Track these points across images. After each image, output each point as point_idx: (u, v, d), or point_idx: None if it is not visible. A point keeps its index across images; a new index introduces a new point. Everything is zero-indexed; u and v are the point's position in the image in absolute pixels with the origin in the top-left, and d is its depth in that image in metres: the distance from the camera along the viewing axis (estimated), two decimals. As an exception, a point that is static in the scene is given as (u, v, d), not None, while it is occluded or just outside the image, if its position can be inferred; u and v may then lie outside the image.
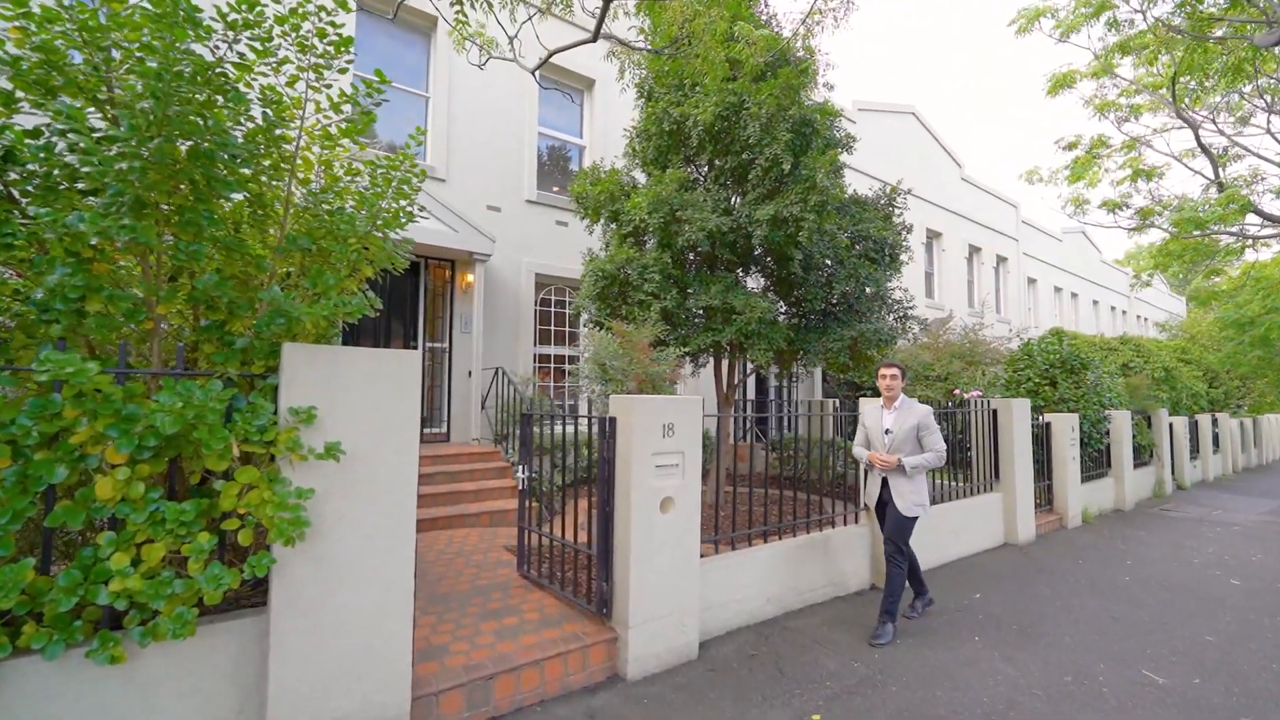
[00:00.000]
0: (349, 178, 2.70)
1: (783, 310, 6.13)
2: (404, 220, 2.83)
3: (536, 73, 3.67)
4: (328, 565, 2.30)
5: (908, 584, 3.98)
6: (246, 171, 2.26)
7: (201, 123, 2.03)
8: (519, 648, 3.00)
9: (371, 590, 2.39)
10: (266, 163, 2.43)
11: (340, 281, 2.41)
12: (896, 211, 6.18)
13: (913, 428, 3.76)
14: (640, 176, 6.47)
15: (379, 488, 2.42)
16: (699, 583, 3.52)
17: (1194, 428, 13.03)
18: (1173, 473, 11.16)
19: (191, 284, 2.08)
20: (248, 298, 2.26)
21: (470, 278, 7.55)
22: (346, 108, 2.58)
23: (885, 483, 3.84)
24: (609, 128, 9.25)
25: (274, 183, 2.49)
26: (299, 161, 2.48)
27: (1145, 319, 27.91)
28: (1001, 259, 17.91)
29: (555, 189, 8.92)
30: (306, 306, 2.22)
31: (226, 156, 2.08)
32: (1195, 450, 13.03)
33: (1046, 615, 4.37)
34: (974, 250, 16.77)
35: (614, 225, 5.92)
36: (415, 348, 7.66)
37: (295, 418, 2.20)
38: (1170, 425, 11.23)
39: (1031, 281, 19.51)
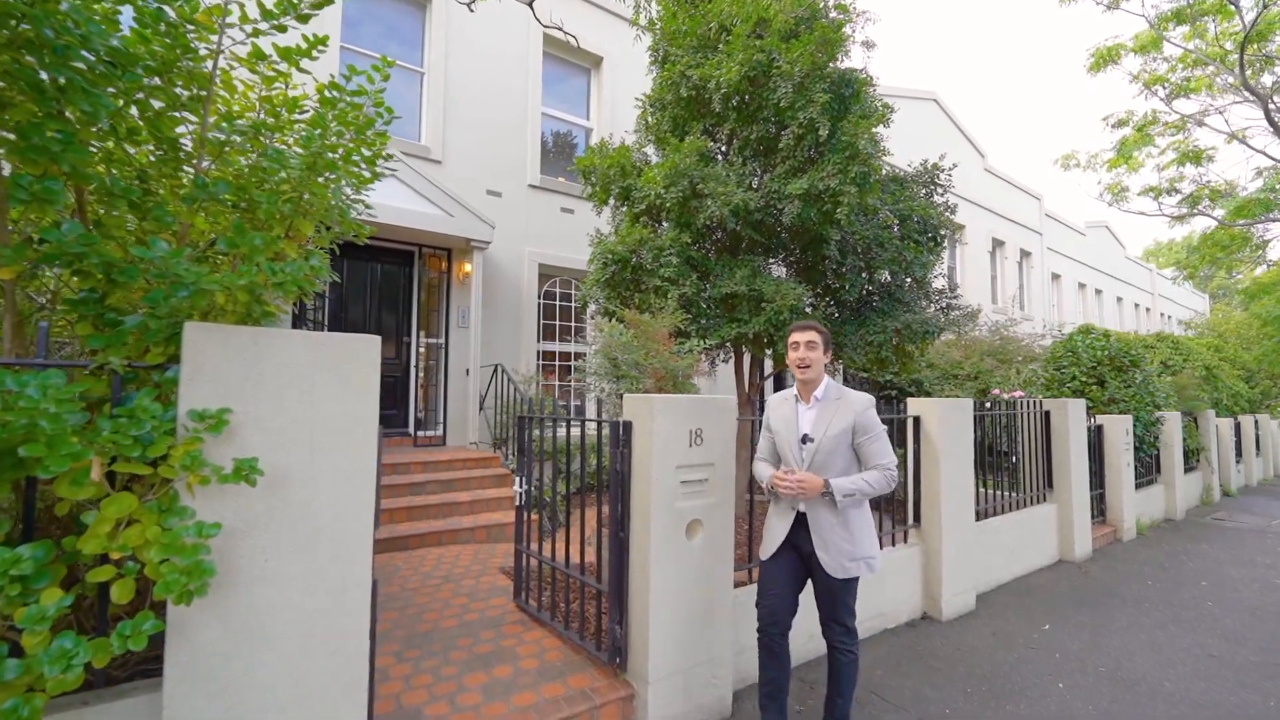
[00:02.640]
0: (292, 114, 2.08)
1: (808, 300, 5.49)
2: (364, 170, 2.22)
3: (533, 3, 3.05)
4: (246, 625, 1.69)
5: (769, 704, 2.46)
6: (121, 86, 1.66)
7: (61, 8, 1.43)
8: (511, 711, 2.39)
9: (310, 657, 1.78)
10: (177, 89, 1.83)
11: (270, 243, 1.80)
12: (939, 190, 5.53)
13: (845, 431, 2.32)
14: (653, 154, 5.85)
15: (320, 519, 1.81)
16: (733, 623, 2.90)
17: (1236, 430, 12.27)
18: (1217, 478, 10.44)
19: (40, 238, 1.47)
20: (140, 262, 1.65)
21: (468, 267, 6.95)
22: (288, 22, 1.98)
23: (801, 521, 2.36)
24: (617, 108, 8.64)
25: (180, 113, 1.87)
26: (217, 81, 1.87)
27: (1169, 316, 27.02)
28: (1025, 253, 17.16)
29: (561, 179, 8.30)
30: (214, 273, 1.61)
31: (93, 57, 1.48)
32: (1237, 454, 12.28)
33: (1134, 653, 3.72)
34: (997, 244, 16.04)
35: (625, 205, 5.30)
36: (409, 343, 7.08)
37: (199, 424, 1.60)
38: (1216, 427, 10.51)
39: (1055, 277, 18.75)
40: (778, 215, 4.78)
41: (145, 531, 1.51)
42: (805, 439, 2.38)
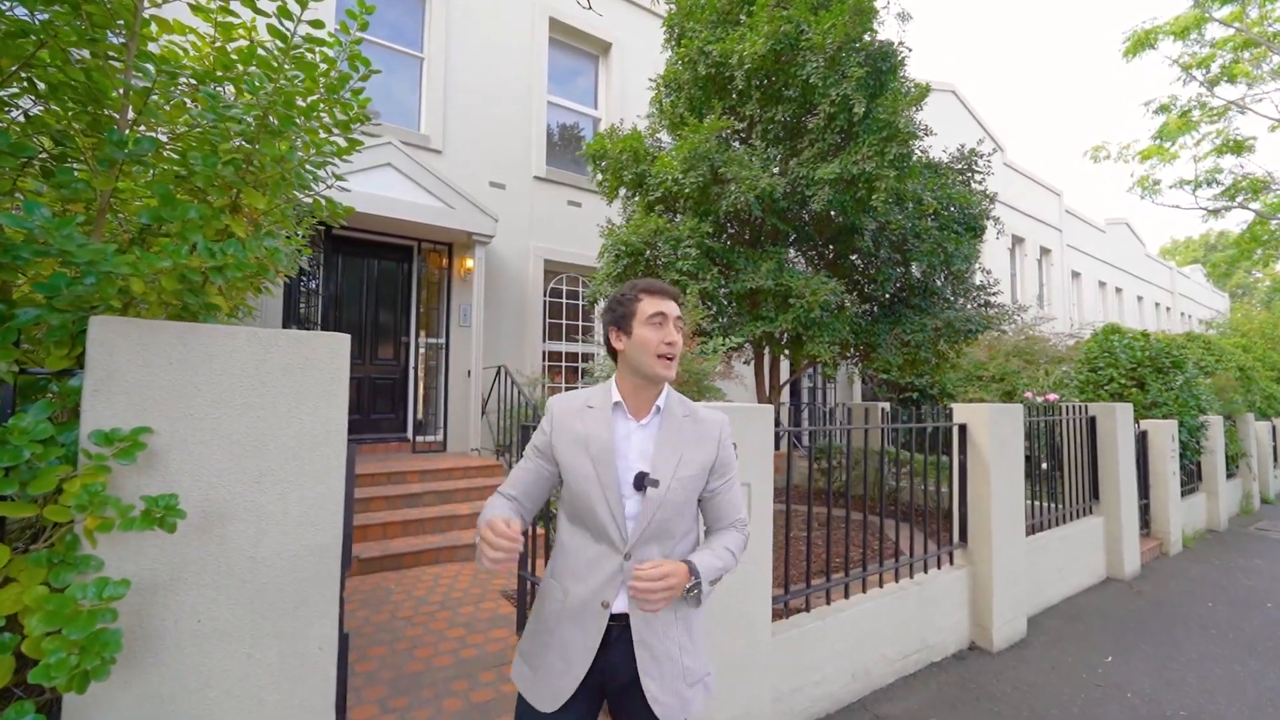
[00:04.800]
0: (248, 66, 1.70)
1: (841, 296, 5.09)
2: (338, 137, 1.84)
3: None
4: (172, 702, 1.32)
5: None
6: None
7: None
8: (514, 781, 2.00)
9: (257, 740, 1.41)
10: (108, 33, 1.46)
11: (209, 217, 1.43)
12: (978, 177, 5.11)
13: (702, 471, 1.38)
14: (667, 141, 5.46)
15: (270, 565, 1.43)
16: (771, 666, 2.51)
17: (1273, 434, 11.73)
18: (1258, 485, 9.94)
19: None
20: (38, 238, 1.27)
21: (470, 263, 6.58)
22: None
23: (618, 633, 1.32)
24: (627, 97, 8.26)
25: (110, 60, 1.51)
26: (145, 14, 1.50)
27: (1189, 316, 26.37)
28: (1045, 251, 16.65)
29: (568, 172, 7.92)
30: (126, 254, 1.24)
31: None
32: (1274, 459, 11.75)
33: (1215, 692, 3.30)
34: (1017, 241, 15.54)
35: (637, 194, 4.91)
36: (408, 343, 6.72)
37: (106, 449, 1.23)
38: (1255, 431, 10.02)
39: (1075, 275, 18.21)
40: (804, 204, 4.38)
41: (25, 593, 1.14)
42: (643, 482, 1.30)
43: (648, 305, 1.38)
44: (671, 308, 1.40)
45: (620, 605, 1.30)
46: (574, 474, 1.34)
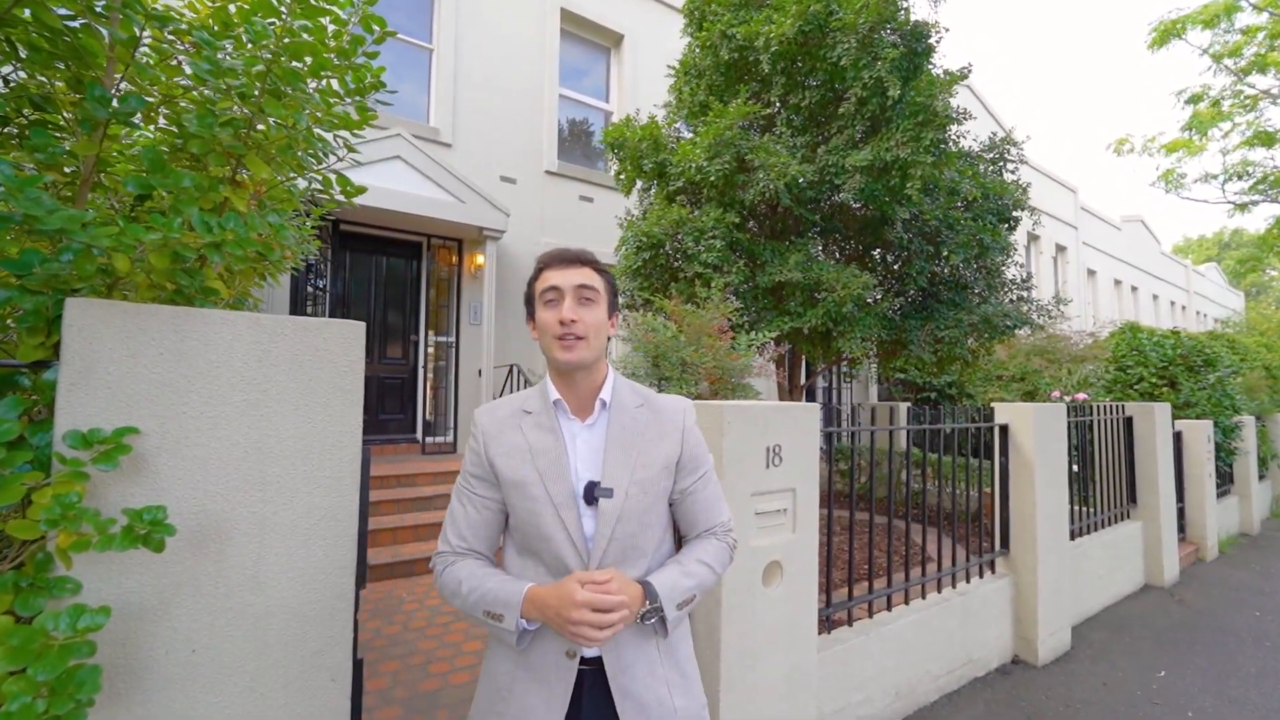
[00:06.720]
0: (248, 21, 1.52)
1: (874, 290, 4.87)
2: (349, 108, 1.66)
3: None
4: (161, 751, 1.14)
5: None
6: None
7: None
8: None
9: (260, 787, 1.23)
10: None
11: (205, 187, 1.25)
12: (1010, 166, 4.89)
13: (667, 468, 1.16)
14: (685, 132, 5.27)
15: (275, 587, 1.25)
16: (816, 687, 2.31)
17: (1299, 434, 11.43)
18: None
19: None
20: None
21: (480, 259, 6.42)
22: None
23: (591, 681, 1.09)
24: (639, 91, 8.07)
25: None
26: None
27: (1204, 314, 25.97)
28: (1060, 248, 16.37)
29: (579, 166, 7.74)
30: (109, 227, 1.06)
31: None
32: (1299, 460, 11.44)
33: (1283, 712, 3.08)
34: (1032, 239, 15.26)
35: (656, 184, 4.72)
36: (416, 342, 6.55)
37: (84, 452, 1.05)
38: (1283, 432, 9.73)
39: (1091, 273, 17.91)
40: (831, 193, 4.19)
41: (-17, 626, 0.96)
42: (594, 493, 1.09)
43: (541, 282, 1.16)
44: (570, 276, 1.13)
45: (592, 649, 1.08)
46: (519, 494, 1.11)
